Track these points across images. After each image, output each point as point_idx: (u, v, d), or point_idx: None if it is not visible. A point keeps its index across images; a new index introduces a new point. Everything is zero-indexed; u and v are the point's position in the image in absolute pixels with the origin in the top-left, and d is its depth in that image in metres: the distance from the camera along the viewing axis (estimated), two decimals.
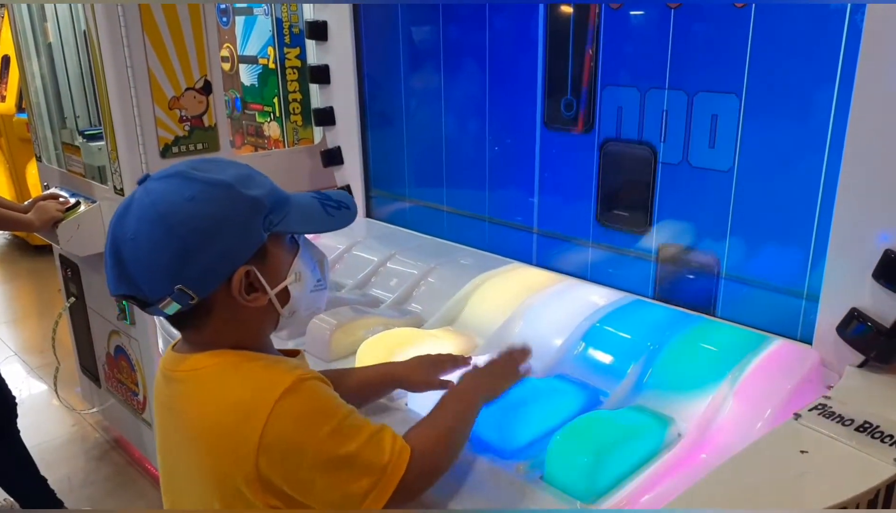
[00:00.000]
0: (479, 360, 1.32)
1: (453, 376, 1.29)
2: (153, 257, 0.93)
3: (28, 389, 3.69)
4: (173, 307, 0.96)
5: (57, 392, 2.90)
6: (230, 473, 0.94)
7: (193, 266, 0.94)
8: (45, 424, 3.29)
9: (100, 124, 2.38)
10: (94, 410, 3.11)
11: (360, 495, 0.96)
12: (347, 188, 2.48)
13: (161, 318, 1.00)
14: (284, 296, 1.04)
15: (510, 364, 1.30)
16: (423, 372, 1.32)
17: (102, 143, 2.36)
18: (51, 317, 2.86)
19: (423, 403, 1.29)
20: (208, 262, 0.94)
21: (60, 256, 2.92)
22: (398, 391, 1.39)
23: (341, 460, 0.95)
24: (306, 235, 1.11)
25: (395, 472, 0.97)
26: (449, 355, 1.38)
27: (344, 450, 0.95)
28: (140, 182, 1.00)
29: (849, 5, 1.28)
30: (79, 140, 2.59)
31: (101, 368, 2.93)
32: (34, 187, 4.76)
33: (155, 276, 0.94)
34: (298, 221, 1.04)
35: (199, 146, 2.32)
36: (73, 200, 2.52)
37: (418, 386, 1.32)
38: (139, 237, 0.93)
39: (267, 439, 0.92)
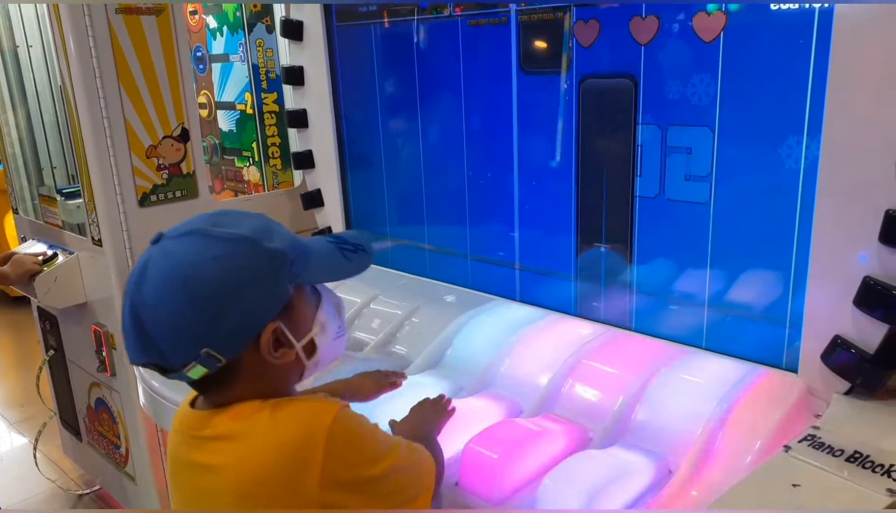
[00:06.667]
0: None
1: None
2: (178, 323, 0.89)
3: (10, 443, 3.61)
4: (198, 371, 0.92)
5: (35, 448, 2.83)
6: (290, 507, 0.91)
7: (221, 329, 0.90)
8: (26, 479, 3.21)
9: (77, 174, 2.36)
10: (76, 466, 3.04)
11: (426, 488, 1.06)
12: (329, 230, 2.47)
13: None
14: (310, 348, 1.02)
15: (433, 405, 1.38)
16: (371, 385, 1.44)
17: (80, 200, 2.34)
18: (29, 370, 2.81)
19: None
20: (236, 323, 0.91)
21: (39, 308, 2.87)
22: None
23: (398, 468, 1.01)
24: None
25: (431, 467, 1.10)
26: (383, 371, 1.50)
27: (400, 459, 1.01)
28: (154, 242, 0.94)
29: (815, 32, 1.30)
30: (57, 198, 2.57)
31: (81, 421, 2.87)
32: (12, 239, 4.70)
33: (180, 341, 0.90)
34: (321, 271, 1.02)
35: (178, 194, 2.31)
36: (50, 252, 2.49)
37: (370, 397, 1.42)
38: (162, 303, 0.89)
39: (326, 473, 0.91)
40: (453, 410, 1.39)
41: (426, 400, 1.40)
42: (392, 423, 1.33)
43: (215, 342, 0.91)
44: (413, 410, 1.36)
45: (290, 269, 0.95)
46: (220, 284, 0.89)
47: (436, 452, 1.17)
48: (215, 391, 0.98)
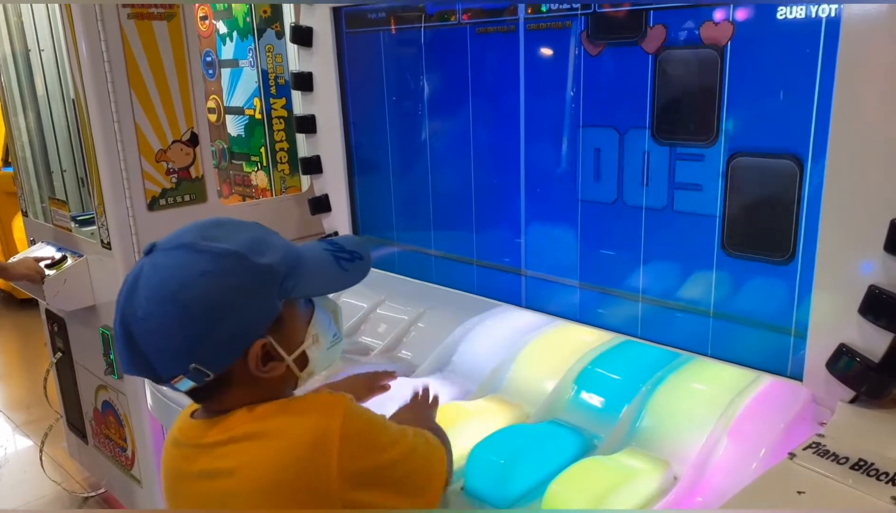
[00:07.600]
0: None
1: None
2: (166, 337, 0.90)
3: (14, 445, 3.63)
4: (186, 384, 0.94)
5: (42, 450, 2.84)
6: (312, 505, 0.92)
7: (208, 345, 0.91)
8: (31, 481, 3.22)
9: (86, 178, 2.38)
10: (82, 468, 3.05)
11: (439, 473, 1.06)
12: (336, 234, 2.49)
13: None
14: (302, 360, 1.01)
15: (420, 401, 1.34)
16: (363, 387, 1.41)
17: (94, 227, 2.37)
18: (36, 372, 2.83)
19: None
20: (224, 339, 0.92)
21: (46, 310, 2.89)
22: None
23: (413, 452, 1.03)
24: None
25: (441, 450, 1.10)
26: (375, 372, 1.48)
27: (410, 444, 1.02)
28: (146, 252, 0.95)
29: (822, 34, 1.31)
30: (72, 226, 2.60)
31: (88, 423, 2.88)
32: (20, 242, 4.74)
33: (169, 355, 0.91)
34: (314, 284, 1.01)
35: (187, 198, 2.32)
36: (59, 256, 2.51)
37: (361, 399, 1.37)
38: (151, 317, 0.90)
39: (343, 463, 0.92)
40: (436, 399, 1.37)
41: (412, 401, 1.35)
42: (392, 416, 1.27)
43: (203, 358, 0.91)
44: (403, 407, 1.32)
45: (283, 284, 0.95)
46: (208, 300, 0.90)
47: (441, 436, 1.16)
48: (210, 400, 0.99)
